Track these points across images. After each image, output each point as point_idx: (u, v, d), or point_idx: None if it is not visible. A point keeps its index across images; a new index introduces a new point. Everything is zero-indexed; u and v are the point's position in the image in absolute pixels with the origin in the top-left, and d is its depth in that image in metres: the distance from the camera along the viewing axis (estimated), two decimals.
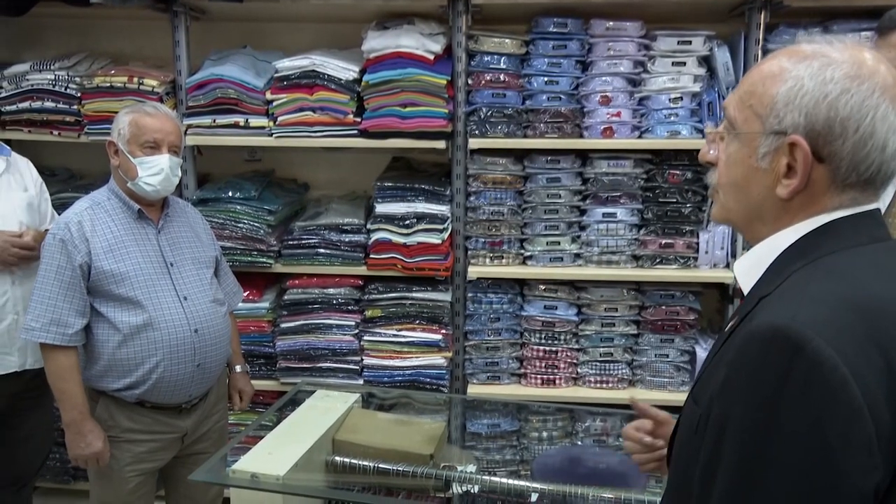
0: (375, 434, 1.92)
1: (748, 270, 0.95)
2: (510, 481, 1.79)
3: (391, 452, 1.83)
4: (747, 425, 0.78)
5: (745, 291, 0.95)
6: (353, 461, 1.82)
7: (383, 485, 1.82)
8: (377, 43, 2.58)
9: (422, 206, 2.68)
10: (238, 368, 2.44)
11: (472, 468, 1.87)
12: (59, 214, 2.45)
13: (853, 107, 0.83)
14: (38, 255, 2.29)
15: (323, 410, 1.99)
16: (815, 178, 0.87)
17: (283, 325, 2.80)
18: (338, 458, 1.84)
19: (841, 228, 0.88)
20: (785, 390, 0.75)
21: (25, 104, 2.75)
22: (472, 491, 1.81)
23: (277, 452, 1.73)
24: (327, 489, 1.81)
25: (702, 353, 2.68)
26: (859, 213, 0.89)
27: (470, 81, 2.63)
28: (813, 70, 0.86)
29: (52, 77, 2.73)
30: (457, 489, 1.80)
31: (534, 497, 1.76)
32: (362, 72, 2.62)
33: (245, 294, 2.75)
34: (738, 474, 0.78)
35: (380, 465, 1.80)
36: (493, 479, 1.80)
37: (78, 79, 2.73)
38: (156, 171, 2.07)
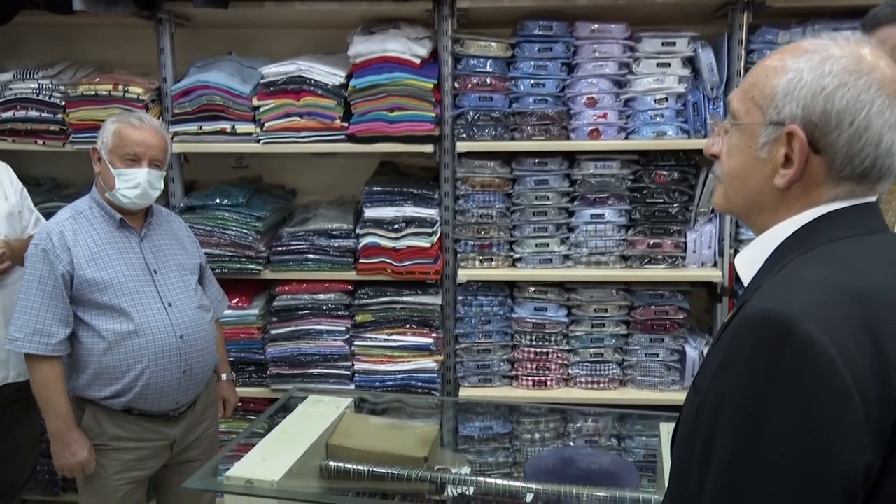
0: (369, 438, 1.91)
1: (749, 262, 0.97)
2: (505, 482, 1.79)
3: (385, 456, 1.83)
4: (741, 407, 0.79)
5: (746, 283, 0.97)
6: (348, 465, 1.81)
7: (378, 489, 1.81)
8: (363, 48, 2.59)
9: (410, 210, 2.69)
10: (224, 377, 2.43)
11: (466, 470, 1.87)
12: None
13: (849, 100, 0.86)
14: (12, 266, 2.27)
15: (316, 416, 1.98)
16: (812, 169, 0.89)
17: (273, 332, 2.79)
18: (332, 463, 1.84)
19: (838, 219, 0.90)
20: (777, 372, 0.77)
21: (9, 114, 2.72)
22: (466, 493, 1.81)
23: (271, 458, 1.72)
24: (322, 494, 1.80)
25: (691, 351, 2.70)
26: (856, 206, 0.91)
27: (457, 85, 2.64)
28: (812, 63, 0.89)
29: (36, 86, 2.71)
30: (451, 491, 1.79)
31: (528, 497, 1.76)
32: (349, 77, 2.63)
33: (234, 301, 2.74)
34: (732, 454, 0.80)
35: (374, 469, 1.80)
36: (488, 480, 1.79)
37: (62, 87, 2.71)
38: (133, 185, 2.06)
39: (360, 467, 1.80)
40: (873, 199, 0.92)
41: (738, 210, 1.01)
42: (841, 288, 0.81)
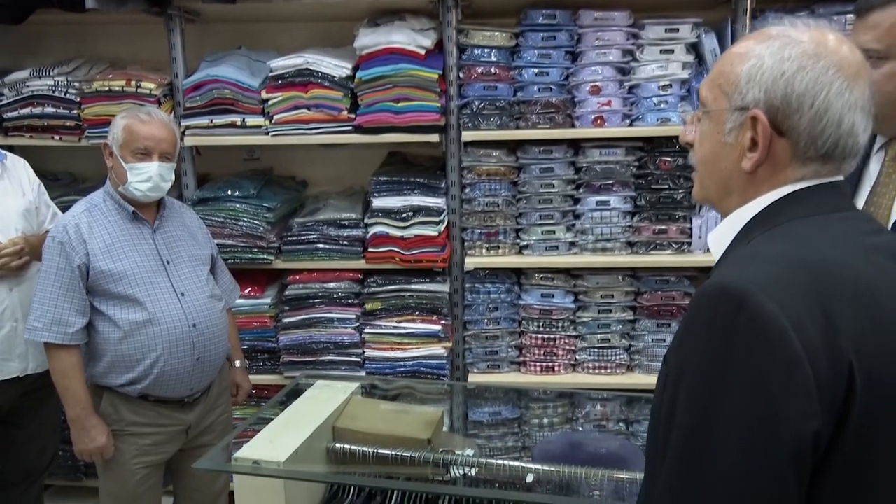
0: (374, 421, 1.96)
1: (719, 239, 1.00)
2: (507, 462, 1.83)
3: (389, 438, 1.87)
4: (698, 375, 0.83)
5: (716, 259, 1.00)
6: (353, 447, 1.86)
7: (383, 470, 1.86)
8: (369, 40, 2.62)
9: (418, 200, 2.72)
10: (237, 364, 2.50)
11: (470, 452, 1.91)
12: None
13: (808, 83, 0.89)
14: (30, 262, 2.34)
15: (323, 400, 2.03)
16: (777, 151, 0.92)
17: (285, 320, 2.85)
18: (338, 445, 1.88)
19: (802, 198, 0.93)
20: (730, 341, 0.80)
21: (26, 110, 2.80)
22: (469, 474, 1.85)
23: (278, 440, 1.77)
24: (327, 474, 1.86)
25: None
26: (821, 185, 0.94)
27: (461, 75, 2.66)
28: (773, 49, 0.91)
29: (52, 83, 2.78)
30: (454, 472, 1.84)
31: (529, 478, 1.80)
32: (355, 68, 2.66)
33: (247, 290, 2.81)
34: (690, 420, 0.83)
35: (379, 451, 1.84)
36: (490, 460, 1.84)
37: (77, 84, 2.78)
38: (144, 178, 2.12)
39: (364, 449, 1.84)
40: (840, 178, 0.95)
41: (712, 196, 1.03)
42: (797, 263, 0.84)
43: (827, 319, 0.80)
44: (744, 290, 0.81)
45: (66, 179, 3.13)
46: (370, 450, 1.84)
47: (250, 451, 1.72)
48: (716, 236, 1.01)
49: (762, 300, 0.79)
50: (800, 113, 0.89)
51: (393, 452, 1.83)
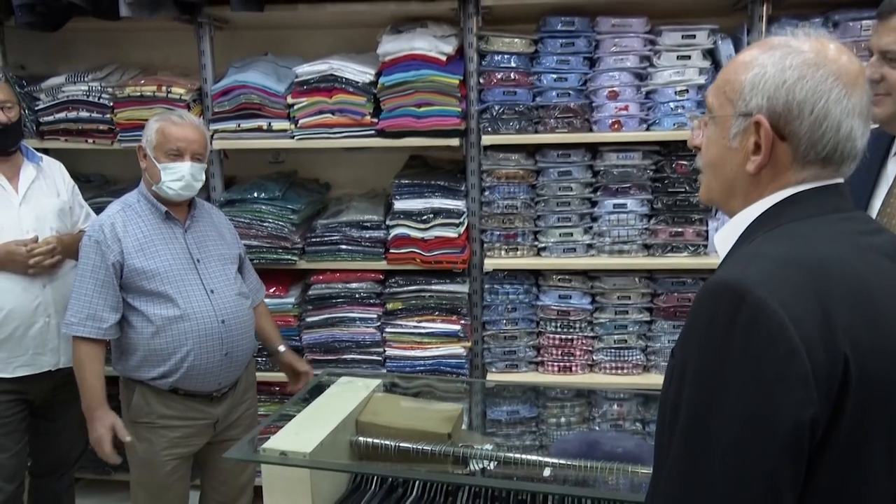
0: (396, 416, 2.02)
1: (725, 239, 1.06)
2: (525, 456, 1.88)
3: (410, 432, 1.93)
4: (702, 367, 0.88)
5: (721, 258, 1.05)
6: (375, 441, 1.92)
7: (404, 463, 1.92)
8: (392, 46, 2.69)
9: (438, 202, 2.79)
10: (282, 348, 2.55)
11: (488, 447, 1.97)
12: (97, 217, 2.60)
13: (808, 91, 0.94)
14: (63, 260, 2.43)
15: (346, 396, 2.09)
16: (779, 155, 0.98)
17: (309, 319, 2.92)
18: (361, 439, 1.95)
19: (802, 200, 0.98)
20: (731, 334, 0.85)
21: (62, 115, 2.91)
22: (488, 467, 1.91)
23: (304, 433, 1.83)
24: (351, 464, 1.92)
25: None
26: (821, 187, 0.99)
27: (482, 80, 2.72)
28: (775, 58, 0.97)
29: (86, 88, 2.88)
30: (474, 465, 1.89)
31: (547, 472, 1.85)
32: (378, 74, 2.74)
33: (271, 290, 2.88)
34: (694, 409, 0.88)
35: (400, 445, 1.90)
36: (508, 454, 1.89)
37: (110, 89, 2.88)
38: (177, 178, 2.20)
39: (386, 442, 1.91)
40: (839, 180, 1.00)
41: (718, 198, 1.09)
42: (796, 261, 0.89)
43: (824, 315, 0.85)
44: (745, 286, 0.86)
45: (98, 181, 3.23)
46: (392, 443, 1.90)
47: (277, 442, 1.78)
48: (721, 236, 1.06)
49: (763, 296, 0.84)
50: (800, 119, 0.95)
51: (414, 446, 1.89)
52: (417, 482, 1.81)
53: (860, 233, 0.97)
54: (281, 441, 1.79)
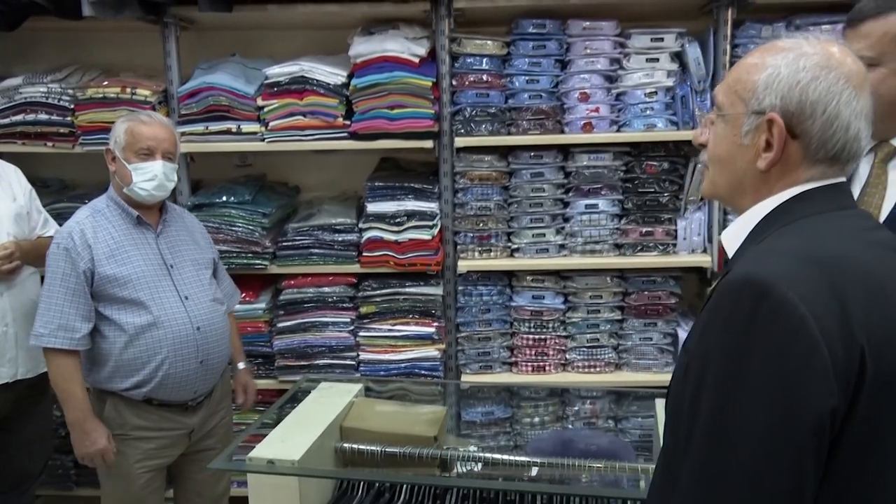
0: (381, 420, 2.01)
1: (733, 237, 1.08)
2: (511, 457, 1.89)
3: (397, 436, 1.92)
4: (723, 361, 0.90)
5: (731, 255, 1.08)
6: (362, 446, 1.91)
7: (391, 468, 1.90)
8: (364, 48, 2.68)
9: (411, 204, 2.78)
10: (241, 365, 2.52)
11: (473, 449, 1.97)
12: (55, 222, 2.51)
13: (821, 92, 0.98)
14: (21, 266, 2.34)
15: (329, 401, 2.07)
16: (790, 153, 1.01)
17: (280, 325, 2.88)
18: (346, 445, 1.93)
19: (811, 198, 1.01)
20: (754, 329, 0.88)
21: (19, 117, 2.80)
22: (474, 469, 1.91)
23: (290, 440, 1.80)
24: (341, 471, 1.90)
25: (683, 334, 2.80)
26: (828, 185, 1.02)
27: (454, 82, 2.73)
28: (788, 60, 1.00)
29: (45, 90, 2.78)
30: (460, 468, 1.89)
31: (534, 471, 1.87)
32: (350, 76, 2.72)
33: (242, 296, 2.82)
34: (716, 404, 0.90)
35: (387, 449, 1.89)
36: (496, 456, 1.90)
37: (71, 91, 2.79)
38: (150, 177, 2.14)
39: (373, 447, 1.89)
40: (843, 179, 1.04)
41: (723, 194, 1.11)
42: (810, 257, 0.92)
43: (841, 309, 0.88)
44: (766, 281, 0.88)
45: (56, 186, 3.13)
46: (378, 448, 1.89)
47: (264, 450, 1.75)
48: (730, 234, 1.09)
49: (783, 290, 0.87)
50: (813, 118, 0.98)
51: (401, 450, 1.88)
52: (405, 486, 1.80)
53: (865, 229, 1.01)
54: (267, 449, 1.77)
